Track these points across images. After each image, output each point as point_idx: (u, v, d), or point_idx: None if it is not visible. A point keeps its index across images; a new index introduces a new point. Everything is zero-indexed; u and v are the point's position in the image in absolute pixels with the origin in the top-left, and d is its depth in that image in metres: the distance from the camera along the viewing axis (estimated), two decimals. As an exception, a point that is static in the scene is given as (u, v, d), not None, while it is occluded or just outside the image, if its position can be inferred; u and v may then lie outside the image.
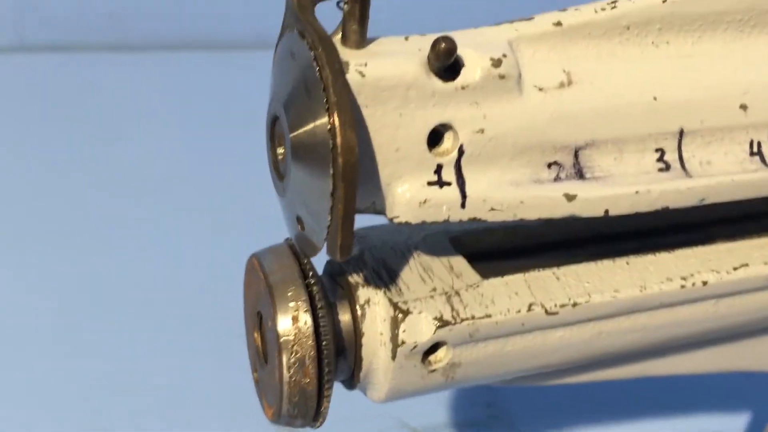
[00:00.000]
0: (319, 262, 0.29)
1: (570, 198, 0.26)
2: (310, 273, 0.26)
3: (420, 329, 0.26)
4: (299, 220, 0.25)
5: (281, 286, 0.25)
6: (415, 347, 0.26)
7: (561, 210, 0.26)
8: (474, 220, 0.25)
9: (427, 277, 0.27)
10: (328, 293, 0.27)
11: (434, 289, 0.27)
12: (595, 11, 0.26)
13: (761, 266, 0.30)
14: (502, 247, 0.31)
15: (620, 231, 0.32)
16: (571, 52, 0.26)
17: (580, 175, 0.26)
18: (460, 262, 0.28)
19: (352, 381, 0.27)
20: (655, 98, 0.27)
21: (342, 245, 0.23)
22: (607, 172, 0.26)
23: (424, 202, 0.24)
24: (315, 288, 0.25)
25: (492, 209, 0.25)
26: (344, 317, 0.26)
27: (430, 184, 0.25)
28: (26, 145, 0.86)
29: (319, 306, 0.25)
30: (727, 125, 0.28)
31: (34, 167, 0.82)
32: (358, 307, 0.26)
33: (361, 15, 0.23)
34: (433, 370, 0.27)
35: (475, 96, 0.24)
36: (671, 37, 0.27)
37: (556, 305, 0.27)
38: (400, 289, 0.27)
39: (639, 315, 0.29)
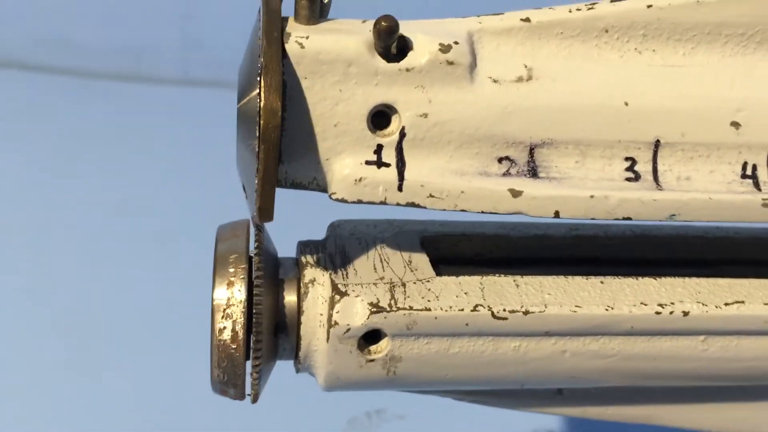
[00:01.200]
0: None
1: (515, 194, 0.25)
2: (255, 244, 0.26)
3: (354, 312, 0.26)
4: (244, 188, 0.26)
5: (225, 254, 0.26)
6: (348, 330, 0.26)
7: (505, 206, 0.25)
8: (412, 205, 0.25)
9: (381, 267, 0.27)
10: (285, 271, 0.27)
11: (381, 278, 0.27)
12: (569, 11, 0.26)
13: (760, 306, 0.27)
14: (482, 256, 0.30)
15: (621, 257, 0.31)
16: (541, 50, 0.26)
17: (533, 173, 0.25)
18: (420, 259, 0.28)
19: (297, 362, 0.27)
20: (626, 104, 0.25)
21: (260, 207, 0.23)
22: (565, 174, 0.25)
23: (360, 180, 0.25)
24: (256, 258, 0.26)
25: (431, 196, 0.25)
26: (289, 295, 0.27)
27: (368, 163, 0.25)
28: (187, 169, 0.93)
29: (255, 275, 0.26)
30: (715, 142, 0.26)
31: (191, 191, 0.88)
32: (302, 285, 0.27)
33: (311, -10, 0.24)
34: (372, 360, 0.26)
35: (421, 79, 0.24)
36: (658, 45, 0.26)
37: (504, 310, 0.26)
38: (347, 274, 0.27)
39: (610, 339, 0.27)
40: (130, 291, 0.72)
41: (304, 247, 0.28)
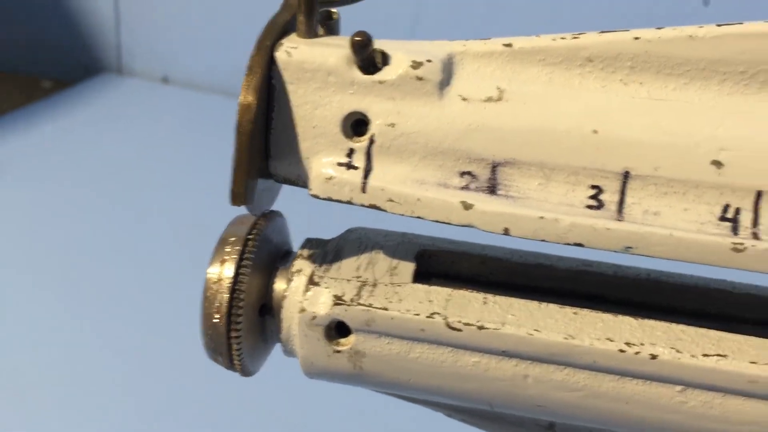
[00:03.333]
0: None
1: (467, 206, 0.26)
2: (254, 231, 0.29)
3: (320, 301, 0.28)
4: None
5: (227, 236, 0.30)
6: (314, 318, 0.28)
7: (457, 217, 0.26)
8: (374, 207, 0.27)
9: (364, 268, 0.29)
10: (285, 261, 0.30)
11: (358, 277, 0.29)
12: (553, 39, 0.26)
13: (744, 363, 0.25)
14: (481, 277, 0.31)
15: (630, 300, 0.30)
16: (520, 75, 0.26)
17: (491, 190, 0.26)
18: (406, 267, 0.29)
19: (282, 344, 0.30)
20: (595, 132, 0.25)
21: (232, 191, 0.26)
22: (525, 195, 0.26)
23: (330, 179, 0.27)
24: (251, 243, 0.29)
25: (390, 200, 0.26)
26: (280, 282, 0.30)
27: (340, 164, 0.27)
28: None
29: (246, 257, 0.29)
30: (692, 180, 0.25)
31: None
32: (289, 273, 0.29)
33: (306, 8, 0.27)
34: (339, 351, 0.28)
35: (392, 92, 0.26)
36: (647, 78, 0.26)
37: (460, 322, 0.27)
38: (330, 269, 0.29)
39: (574, 372, 0.27)
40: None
41: (308, 242, 0.31)
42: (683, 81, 0.26)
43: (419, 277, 0.29)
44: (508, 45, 0.27)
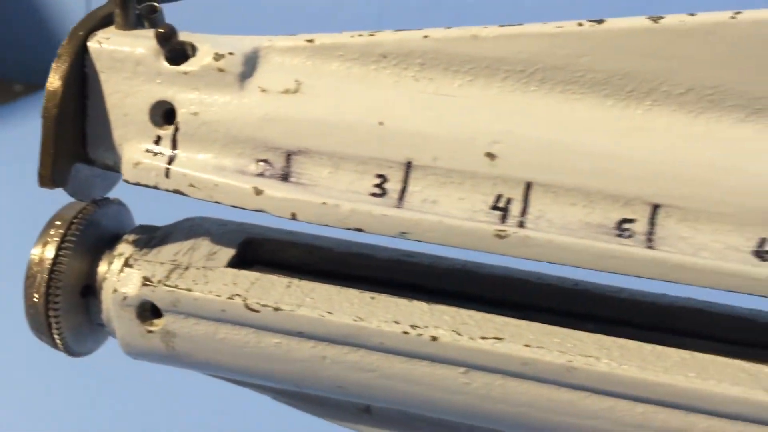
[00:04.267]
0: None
1: (258, 192, 0.27)
2: (79, 216, 0.31)
3: (130, 282, 0.29)
4: None
5: (54, 219, 0.31)
6: (125, 298, 0.29)
7: (249, 202, 0.27)
8: (178, 192, 0.28)
9: (183, 254, 0.30)
10: (113, 246, 0.31)
11: (173, 261, 0.30)
12: (352, 36, 0.28)
13: (518, 346, 0.27)
14: (309, 265, 0.32)
15: (445, 289, 0.31)
16: (321, 69, 0.28)
17: (284, 177, 0.27)
18: (225, 253, 0.30)
19: (104, 325, 0.31)
20: (380, 123, 0.27)
21: (39, 173, 0.28)
22: (315, 182, 0.27)
23: (137, 164, 0.28)
24: (74, 227, 0.30)
25: (191, 185, 0.28)
26: (103, 264, 0.31)
27: (148, 151, 0.28)
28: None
29: (67, 239, 0.30)
30: (467, 170, 0.26)
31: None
32: (111, 257, 0.30)
33: (121, 1, 0.28)
34: (151, 331, 0.29)
35: (196, 82, 0.28)
36: (436, 74, 0.27)
37: (258, 303, 0.28)
38: (148, 254, 0.30)
39: (368, 353, 0.28)
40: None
41: (138, 228, 0.32)
42: (468, 78, 0.27)
43: (244, 264, 0.30)
44: (310, 41, 0.28)
